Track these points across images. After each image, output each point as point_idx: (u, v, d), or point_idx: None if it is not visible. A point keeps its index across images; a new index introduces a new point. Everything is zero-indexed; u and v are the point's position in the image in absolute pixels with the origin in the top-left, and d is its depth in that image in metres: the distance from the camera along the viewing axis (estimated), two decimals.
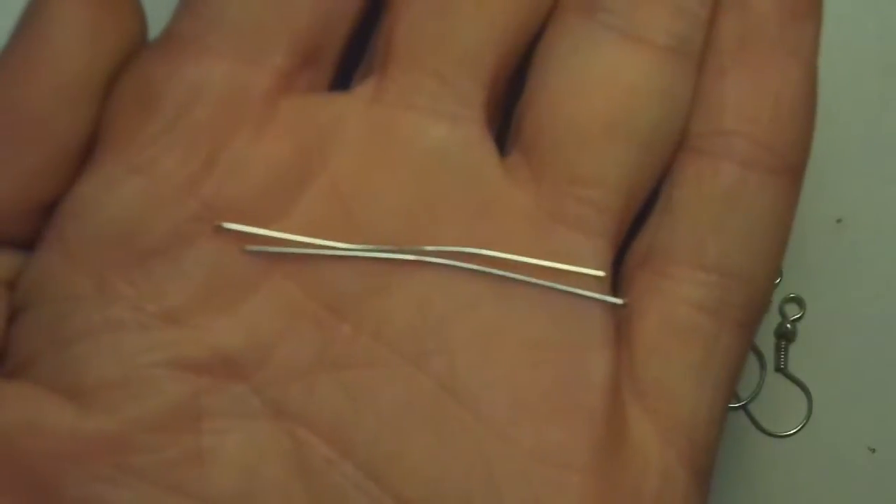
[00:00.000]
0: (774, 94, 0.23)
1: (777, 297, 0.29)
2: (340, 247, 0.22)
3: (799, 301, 0.29)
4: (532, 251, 0.22)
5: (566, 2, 0.23)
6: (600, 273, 0.23)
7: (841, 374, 0.29)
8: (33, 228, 0.22)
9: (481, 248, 0.22)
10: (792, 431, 0.29)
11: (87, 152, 0.22)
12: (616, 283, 0.23)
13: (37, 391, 0.21)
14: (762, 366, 0.29)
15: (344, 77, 0.24)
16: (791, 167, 0.23)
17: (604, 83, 0.23)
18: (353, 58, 0.24)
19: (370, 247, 0.22)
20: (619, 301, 0.23)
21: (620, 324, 0.23)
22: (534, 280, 0.22)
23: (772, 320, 0.29)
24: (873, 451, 0.29)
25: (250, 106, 0.22)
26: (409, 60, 0.23)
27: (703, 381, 0.23)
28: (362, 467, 0.22)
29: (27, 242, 0.22)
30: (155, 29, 0.23)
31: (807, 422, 0.29)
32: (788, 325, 0.29)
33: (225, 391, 0.22)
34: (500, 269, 0.22)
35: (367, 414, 0.22)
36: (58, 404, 0.21)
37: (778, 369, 0.29)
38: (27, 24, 0.22)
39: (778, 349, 0.29)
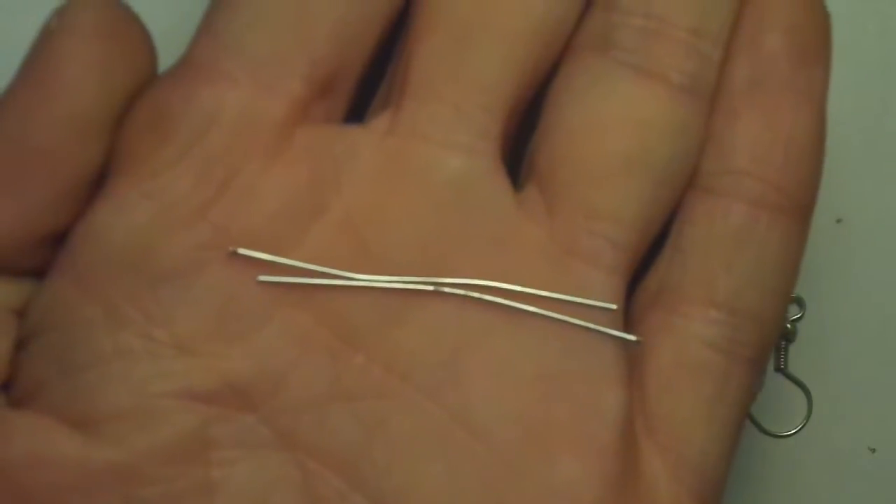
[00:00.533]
0: (786, 136, 0.24)
1: None
2: (354, 277, 0.22)
3: (799, 301, 0.29)
4: (546, 284, 0.23)
5: (581, 39, 0.24)
6: (612, 306, 0.23)
7: (841, 374, 0.29)
8: (44, 257, 0.22)
9: (496, 280, 0.22)
10: (792, 431, 0.29)
11: (98, 181, 0.22)
12: (626, 318, 0.24)
13: (44, 421, 0.21)
14: None
15: (358, 108, 0.24)
16: (800, 207, 0.24)
17: (620, 119, 0.23)
18: (368, 89, 0.24)
19: (384, 277, 0.22)
20: (633, 338, 0.23)
21: (633, 359, 0.23)
22: (548, 313, 0.22)
23: None
24: (873, 451, 0.29)
25: (265, 133, 0.22)
26: (426, 92, 0.23)
27: (714, 418, 0.23)
28: (373, 499, 0.22)
29: (38, 271, 0.22)
30: (168, 60, 0.23)
31: (807, 422, 0.29)
32: (788, 325, 0.29)
33: (235, 421, 0.22)
34: (514, 301, 0.23)
35: (379, 445, 0.22)
36: (66, 434, 0.21)
37: (778, 369, 0.29)
38: (36, 57, 0.22)
39: (778, 349, 0.29)
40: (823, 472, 0.29)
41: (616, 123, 0.23)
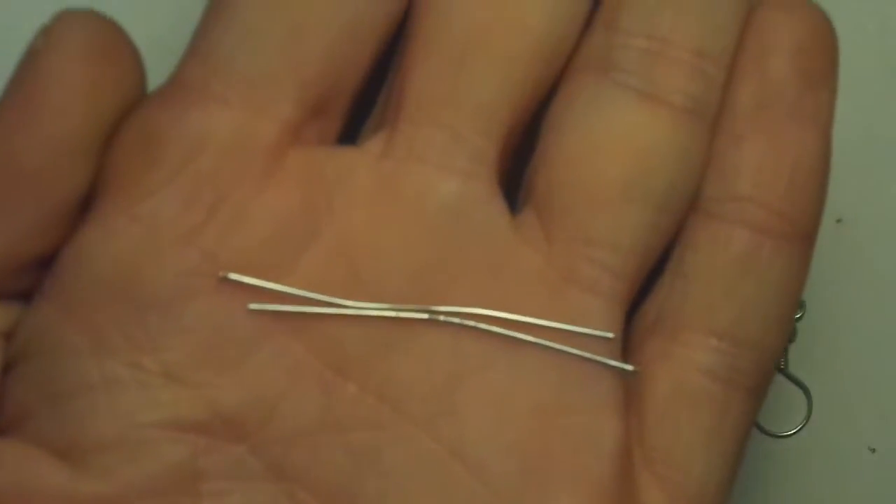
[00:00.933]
0: (791, 162, 0.23)
1: None
2: (346, 304, 0.22)
3: (799, 301, 0.29)
4: (543, 312, 0.22)
5: (582, 59, 0.23)
6: (610, 335, 0.22)
7: (841, 374, 0.29)
8: (31, 281, 0.22)
9: (492, 307, 0.22)
10: (792, 431, 0.29)
11: (86, 204, 0.22)
12: (625, 345, 0.23)
13: (30, 451, 0.21)
14: None
15: (352, 128, 0.24)
16: (804, 234, 0.24)
17: (620, 143, 0.23)
18: (362, 109, 0.24)
19: (377, 305, 0.22)
20: (630, 368, 0.23)
21: (630, 388, 0.23)
22: (545, 342, 0.22)
23: None
24: (873, 451, 0.29)
25: (256, 156, 0.22)
26: (422, 114, 0.22)
27: (713, 448, 0.23)
28: None
29: (25, 294, 0.22)
30: (158, 78, 0.23)
31: (807, 422, 0.29)
32: None
33: (225, 452, 0.21)
34: (510, 330, 0.22)
35: (371, 477, 0.22)
36: (51, 465, 0.21)
37: (778, 369, 0.29)
38: (23, 78, 0.21)
39: None
40: (823, 472, 0.29)
41: (616, 148, 0.22)
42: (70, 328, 0.21)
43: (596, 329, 0.22)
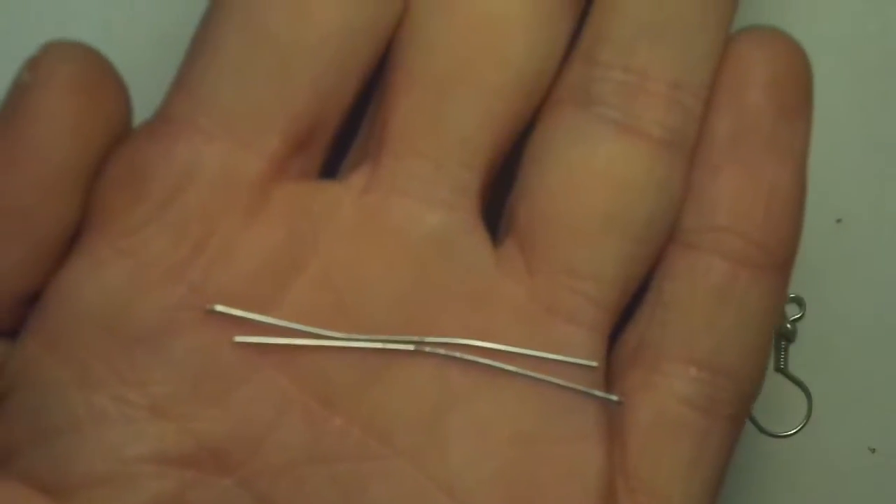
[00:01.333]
0: (767, 192, 0.24)
1: None
2: (332, 336, 0.22)
3: (799, 301, 0.29)
4: (527, 343, 0.22)
5: (561, 92, 0.23)
6: (594, 363, 0.23)
7: (841, 374, 0.29)
8: (17, 317, 0.22)
9: (476, 339, 0.22)
10: (792, 431, 0.29)
11: (73, 239, 0.22)
12: (606, 375, 0.23)
13: (16, 488, 0.21)
14: None
15: (328, 161, 0.24)
16: (781, 264, 0.24)
17: (601, 176, 0.23)
18: (338, 142, 0.24)
19: (363, 336, 0.22)
20: (614, 398, 0.23)
21: (613, 418, 0.23)
22: (530, 373, 0.22)
23: None
24: (873, 451, 0.29)
25: (243, 191, 0.22)
26: (405, 147, 0.22)
27: (694, 478, 0.23)
28: None
29: (11, 331, 0.22)
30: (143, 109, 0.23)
31: (807, 422, 0.29)
32: (788, 325, 0.29)
33: (212, 485, 0.21)
34: (495, 360, 0.22)
35: None
36: (39, 502, 0.21)
37: (778, 369, 0.29)
38: (11, 113, 0.21)
39: (778, 349, 0.29)
40: (823, 472, 0.29)
41: (597, 181, 0.23)
42: (56, 363, 0.21)
43: (580, 360, 0.23)
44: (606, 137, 0.23)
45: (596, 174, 0.23)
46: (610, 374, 0.24)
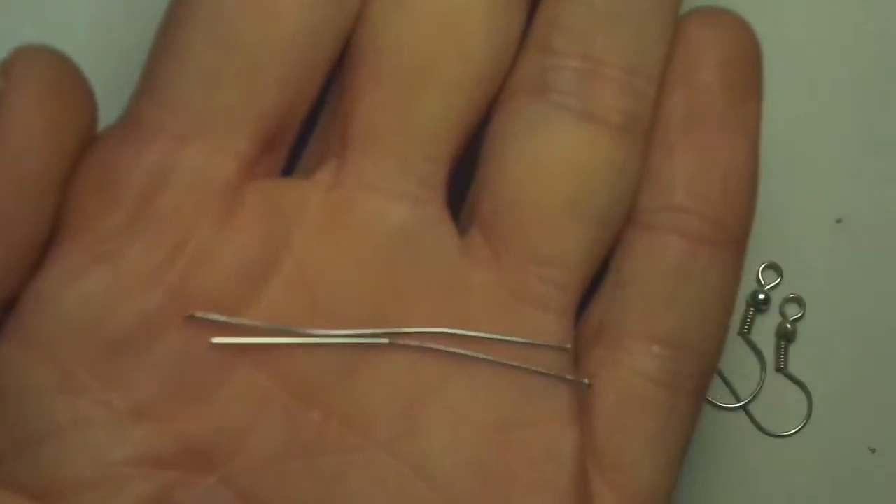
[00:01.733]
0: (722, 170, 0.24)
1: (777, 297, 0.29)
2: (307, 333, 0.22)
3: (799, 301, 0.29)
4: (498, 329, 0.23)
5: (517, 81, 0.23)
6: (567, 346, 0.23)
7: (841, 374, 0.29)
8: None
9: (447, 328, 0.23)
10: (792, 431, 0.29)
11: (47, 244, 0.22)
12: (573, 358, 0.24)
13: (4, 495, 0.21)
14: (762, 366, 0.29)
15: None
16: (737, 239, 0.24)
17: (562, 163, 0.23)
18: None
19: (338, 332, 0.22)
20: (584, 381, 0.23)
21: (580, 397, 0.23)
22: (501, 361, 0.23)
23: (772, 320, 0.29)
24: (873, 451, 0.29)
25: (216, 193, 0.22)
26: (369, 143, 0.23)
27: (660, 451, 0.24)
28: None
29: None
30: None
31: (807, 422, 0.29)
32: (788, 325, 0.29)
33: (196, 484, 0.22)
34: (467, 348, 0.23)
35: (340, 500, 0.22)
36: None
37: (778, 369, 0.29)
38: None
39: (778, 349, 0.29)
40: (823, 472, 0.29)
41: (558, 168, 0.23)
42: (36, 368, 0.21)
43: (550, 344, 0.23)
44: (566, 125, 0.23)
45: (557, 162, 0.23)
46: (574, 355, 0.24)
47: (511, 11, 0.23)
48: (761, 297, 0.29)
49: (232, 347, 0.22)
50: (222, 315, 0.22)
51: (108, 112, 0.22)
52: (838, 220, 0.29)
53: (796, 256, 0.29)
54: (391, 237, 0.23)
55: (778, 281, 0.29)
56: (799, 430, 0.29)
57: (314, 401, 0.22)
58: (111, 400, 0.21)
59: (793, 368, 0.29)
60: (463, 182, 0.24)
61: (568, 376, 0.23)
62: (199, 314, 0.22)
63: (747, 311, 0.29)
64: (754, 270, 0.29)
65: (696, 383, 0.24)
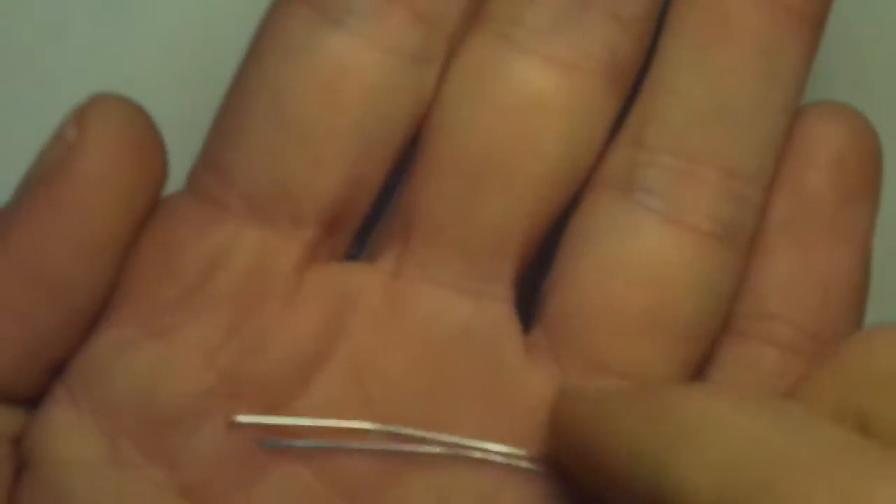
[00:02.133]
0: (822, 279, 0.22)
1: None
2: (362, 426, 0.22)
3: None
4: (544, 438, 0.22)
5: (603, 175, 0.22)
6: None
7: None
8: (41, 385, 0.22)
9: (500, 433, 0.22)
10: None
11: (102, 310, 0.22)
12: None
13: None
14: None
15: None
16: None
17: (640, 270, 0.22)
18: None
19: (387, 427, 0.22)
20: None
21: None
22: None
23: None
24: None
25: (276, 277, 0.21)
26: (433, 234, 0.22)
27: None
28: None
29: (33, 398, 0.22)
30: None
31: None
32: None
33: None
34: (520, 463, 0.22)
35: None
36: None
37: None
38: (53, 172, 0.21)
39: None
40: None
41: (636, 275, 0.22)
42: (83, 437, 0.21)
43: None
44: (648, 229, 0.22)
45: (633, 268, 0.22)
46: None
47: (597, 104, 0.22)
48: None
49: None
50: (270, 401, 0.21)
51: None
52: None
53: None
54: (450, 335, 0.22)
55: None
56: None
57: (357, 502, 0.21)
58: (157, 477, 0.21)
59: None
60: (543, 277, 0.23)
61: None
62: (240, 418, 0.21)
63: None
64: None
65: None
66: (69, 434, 0.21)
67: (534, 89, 0.22)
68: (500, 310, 0.22)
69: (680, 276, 0.22)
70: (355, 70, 0.21)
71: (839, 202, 0.23)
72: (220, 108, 0.22)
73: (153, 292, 0.21)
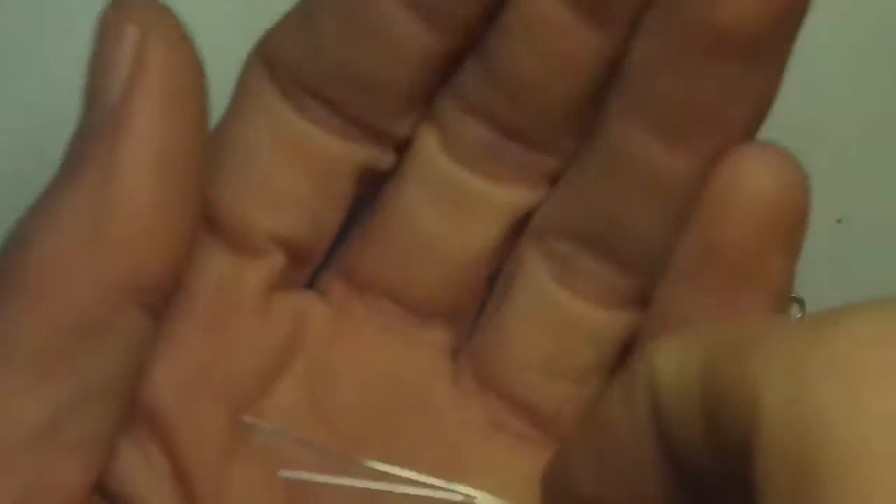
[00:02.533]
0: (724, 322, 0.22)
1: None
2: (379, 469, 0.23)
3: (799, 301, 0.29)
4: (478, 458, 0.24)
5: (530, 231, 0.24)
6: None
7: None
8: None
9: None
10: None
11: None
12: None
13: None
14: None
15: None
16: None
17: (543, 318, 0.24)
18: None
19: (373, 463, 0.23)
20: None
21: None
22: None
23: None
24: None
25: (245, 294, 0.23)
26: (372, 286, 0.24)
27: None
28: None
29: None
30: None
31: None
32: None
33: None
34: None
35: None
36: None
37: None
38: (104, 131, 0.20)
39: None
40: None
41: (540, 322, 0.24)
42: None
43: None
44: (554, 287, 0.24)
45: (539, 316, 0.24)
46: None
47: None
48: None
49: (256, 437, 0.23)
50: (264, 419, 0.23)
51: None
52: (838, 220, 0.29)
53: None
54: (382, 371, 0.24)
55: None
56: None
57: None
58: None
59: None
60: None
61: None
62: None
63: None
64: None
65: None
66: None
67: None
68: (430, 354, 0.24)
69: (576, 325, 0.24)
70: (316, 140, 0.23)
71: (755, 253, 0.21)
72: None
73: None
